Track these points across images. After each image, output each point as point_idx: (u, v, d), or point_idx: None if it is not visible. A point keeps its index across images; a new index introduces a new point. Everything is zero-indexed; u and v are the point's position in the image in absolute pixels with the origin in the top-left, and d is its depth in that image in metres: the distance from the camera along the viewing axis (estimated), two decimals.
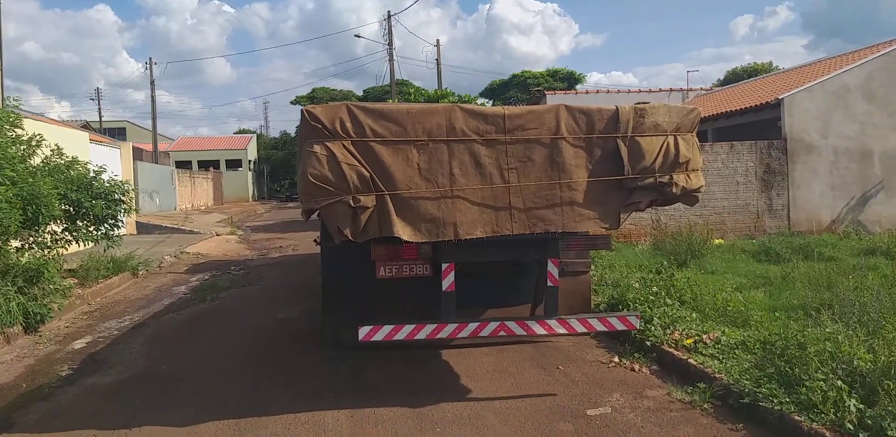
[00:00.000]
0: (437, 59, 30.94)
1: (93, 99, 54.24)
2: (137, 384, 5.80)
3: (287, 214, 32.69)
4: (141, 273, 12.14)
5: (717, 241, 12.82)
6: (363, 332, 4.87)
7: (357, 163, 4.50)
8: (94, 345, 7.27)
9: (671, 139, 4.86)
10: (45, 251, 8.87)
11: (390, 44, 30.67)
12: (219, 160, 47.23)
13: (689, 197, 4.98)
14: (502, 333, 5.02)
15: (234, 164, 48.54)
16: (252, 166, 51.11)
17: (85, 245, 9.95)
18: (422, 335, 4.92)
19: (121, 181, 9.95)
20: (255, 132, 61.92)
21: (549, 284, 5.10)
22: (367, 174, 4.50)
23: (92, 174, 9.66)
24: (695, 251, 11.14)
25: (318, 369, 6.02)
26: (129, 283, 11.47)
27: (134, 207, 10.59)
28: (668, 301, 7.15)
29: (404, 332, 4.90)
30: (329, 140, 4.50)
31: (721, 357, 5.59)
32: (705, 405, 4.86)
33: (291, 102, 59.49)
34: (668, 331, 6.25)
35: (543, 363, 6.04)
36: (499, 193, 4.69)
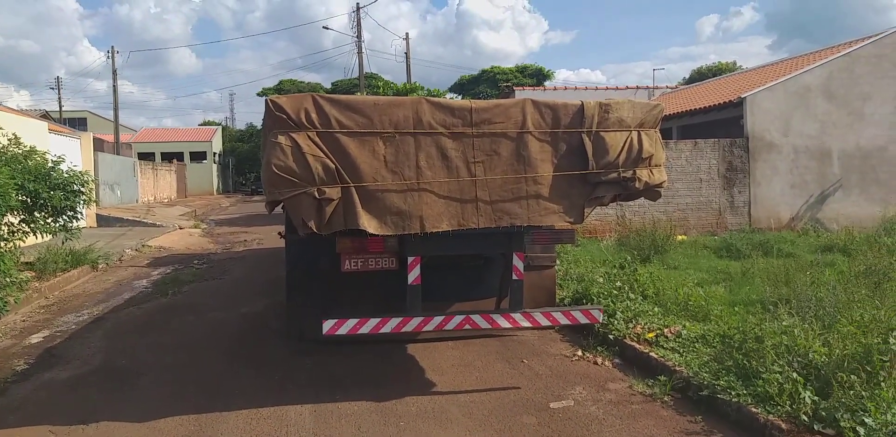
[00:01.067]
0: (405, 53, 30.79)
1: (53, 88, 52.99)
2: (95, 378, 5.69)
3: (252, 207, 32.32)
4: (101, 267, 11.89)
5: (680, 237, 13.01)
6: (327, 326, 4.83)
7: (322, 154, 4.46)
8: (51, 339, 7.10)
9: (635, 135, 4.91)
10: (1, 243, 8.62)
11: (359, 36, 30.46)
12: (183, 152, 46.42)
13: (652, 192, 5.04)
14: (467, 326, 5.03)
15: (198, 156, 47.78)
16: (217, 159, 50.38)
17: (42, 237, 9.70)
18: (386, 329, 4.90)
19: (80, 172, 9.70)
20: (220, 124, 61.05)
21: (515, 277, 5.12)
22: (333, 166, 4.46)
23: (50, 164, 9.40)
24: (658, 247, 11.31)
25: (281, 363, 5.97)
26: (88, 276, 11.23)
27: (94, 199, 10.33)
28: (632, 296, 7.23)
29: (369, 326, 4.88)
30: (294, 131, 4.45)
31: (681, 351, 5.68)
32: (665, 398, 4.94)
33: (258, 94, 58.84)
34: (631, 325, 6.32)
35: (508, 357, 6.06)
36: (465, 187, 4.69)
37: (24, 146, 9.62)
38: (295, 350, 6.30)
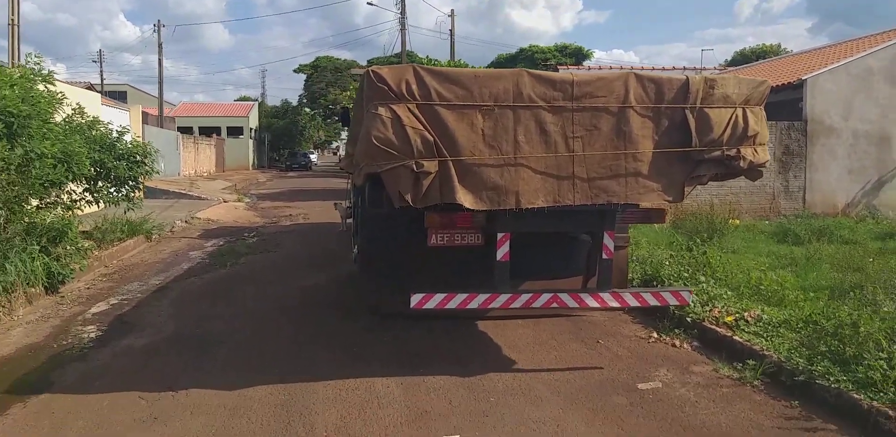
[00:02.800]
0: (450, 30, 30.45)
1: (95, 61, 53.34)
2: (173, 346, 5.74)
3: (289, 182, 32.50)
4: (154, 237, 12.02)
5: (733, 221, 12.79)
6: (415, 299, 4.80)
7: (421, 127, 4.38)
8: (119, 307, 7.19)
9: (740, 112, 4.75)
10: (67, 212, 8.74)
11: (403, 12, 30.13)
12: (220, 127, 46.60)
13: (754, 172, 4.89)
14: (555, 305, 4.96)
15: (235, 131, 47.97)
16: (253, 134, 50.58)
17: (98, 207, 9.83)
18: (474, 305, 4.86)
19: (143, 143, 9.78)
20: (256, 100, 61.26)
21: (605, 256, 5.02)
22: (431, 139, 4.39)
23: (115, 135, 9.49)
24: (715, 230, 11.10)
25: (358, 336, 5.97)
26: (143, 246, 11.35)
27: (155, 170, 10.42)
28: (702, 279, 7.11)
29: (456, 300, 4.83)
30: (394, 102, 4.37)
31: (766, 335, 5.55)
32: (755, 382, 4.83)
33: (295, 71, 58.87)
34: (708, 308, 6.20)
35: (582, 337, 6.00)
36: (562, 162, 4.59)
37: (88, 116, 9.72)
38: (366, 325, 6.30)
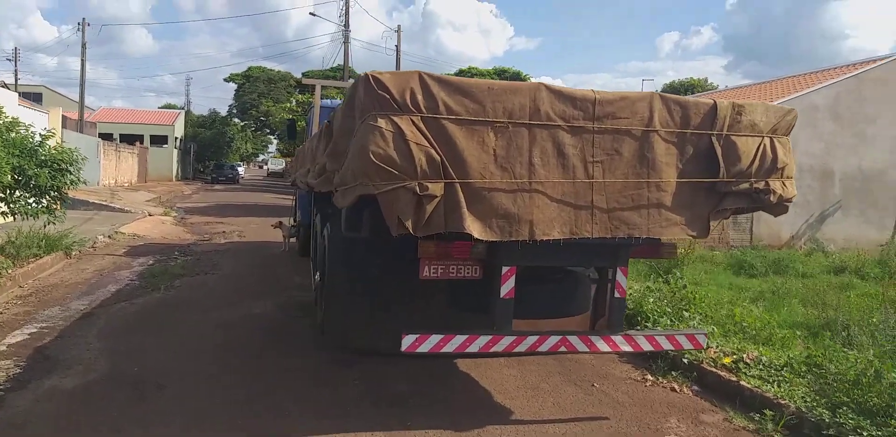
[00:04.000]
0: (396, 46, 29.94)
1: (9, 59, 50.09)
2: (108, 389, 4.87)
3: (218, 196, 31.00)
4: (74, 254, 10.86)
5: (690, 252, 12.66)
6: (407, 341, 4.16)
7: (426, 143, 3.79)
8: (39, 337, 6.20)
9: (767, 141, 4.39)
10: None
11: (346, 25, 29.41)
12: (143, 135, 44.36)
13: (781, 207, 4.52)
14: (563, 348, 4.42)
15: (159, 140, 45.74)
16: (178, 144, 48.44)
17: (13, 219, 8.74)
18: (474, 348, 4.26)
19: (69, 149, 8.76)
20: (182, 108, 58.88)
21: (617, 295, 4.53)
22: (438, 158, 3.79)
23: (38, 139, 8.45)
24: (675, 262, 10.89)
25: (324, 377, 5.26)
26: (62, 264, 10.20)
27: (82, 180, 9.35)
28: (687, 315, 6.75)
29: (454, 343, 4.22)
30: (396, 114, 3.77)
31: (771, 380, 5.18)
32: (776, 435, 4.42)
33: (225, 80, 56.79)
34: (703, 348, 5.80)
35: (574, 379, 5.48)
36: (581, 190, 4.08)
37: (6, 117, 8.65)
38: (332, 360, 5.60)
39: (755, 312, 7.21)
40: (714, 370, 5.47)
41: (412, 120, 3.80)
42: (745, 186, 4.30)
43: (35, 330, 6.45)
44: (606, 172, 4.12)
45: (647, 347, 4.58)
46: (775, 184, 4.36)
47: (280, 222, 12.45)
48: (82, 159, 9.13)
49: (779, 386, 5.03)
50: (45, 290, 8.33)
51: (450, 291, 4.96)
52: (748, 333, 6.57)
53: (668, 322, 6.49)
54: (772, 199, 4.36)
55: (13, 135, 8.39)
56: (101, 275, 9.50)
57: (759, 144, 4.35)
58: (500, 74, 45.00)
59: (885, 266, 11.41)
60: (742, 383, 5.13)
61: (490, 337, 4.28)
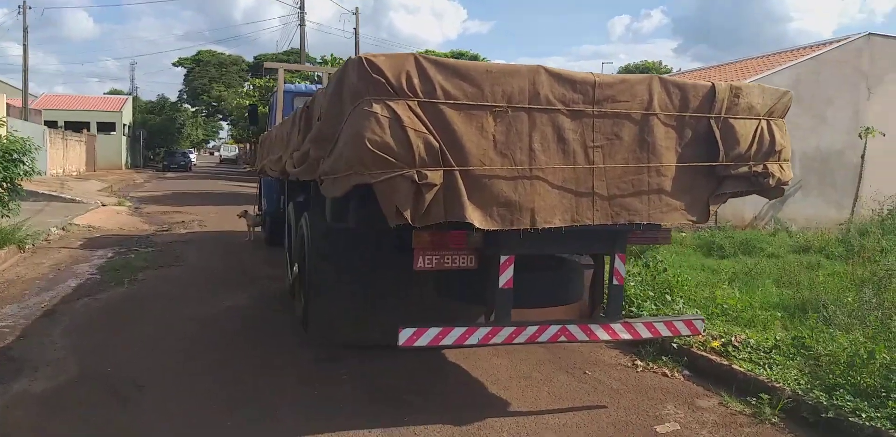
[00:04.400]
0: (354, 29, 29.24)
1: None
2: (82, 391, 4.61)
3: (172, 184, 30.13)
4: (28, 248, 10.35)
5: None
6: (405, 335, 4.00)
7: (424, 129, 3.61)
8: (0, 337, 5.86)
9: (764, 124, 4.33)
10: None
11: (302, 6, 28.68)
12: (89, 122, 42.69)
13: (779, 190, 4.49)
14: (563, 338, 4.31)
15: (106, 127, 44.10)
16: (127, 131, 46.88)
17: None
18: (473, 340, 4.12)
19: (22, 138, 8.27)
20: (130, 94, 56.96)
21: (615, 282, 4.45)
22: (436, 144, 3.62)
23: None
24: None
25: (314, 370, 5.10)
26: (15, 258, 9.71)
27: (37, 170, 8.86)
28: (669, 299, 6.74)
29: (452, 336, 4.08)
30: (392, 99, 3.57)
31: (762, 363, 5.19)
32: (774, 419, 4.40)
33: (174, 64, 55.27)
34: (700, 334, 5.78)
35: (565, 367, 5.41)
36: (581, 175, 3.96)
37: None
38: (318, 356, 5.42)
39: (736, 294, 7.24)
40: (704, 354, 5.45)
41: (409, 105, 3.61)
42: (744, 169, 4.24)
43: None
44: (607, 157, 4.01)
45: (646, 334, 4.52)
46: (773, 167, 4.32)
47: (245, 211, 12.09)
48: (35, 149, 8.64)
49: (770, 369, 5.04)
50: (1, 286, 7.90)
51: (441, 281, 4.81)
52: (730, 315, 6.60)
53: (654, 307, 6.48)
54: (770, 182, 4.32)
55: None
56: (58, 269, 9.07)
57: (757, 127, 4.29)
58: (458, 57, 44.64)
59: (847, 245, 11.63)
60: (734, 366, 5.13)
61: (489, 328, 4.15)
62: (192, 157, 55.79)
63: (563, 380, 5.11)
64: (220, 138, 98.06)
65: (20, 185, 8.56)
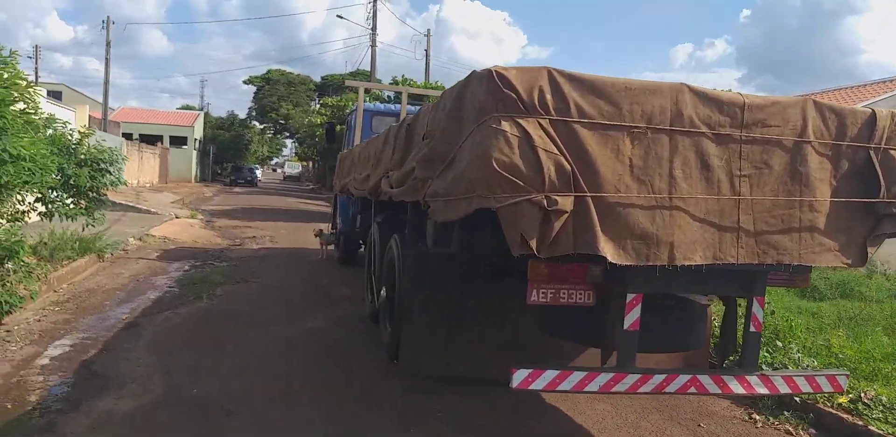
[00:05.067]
0: (426, 50, 29.48)
1: (31, 57, 50.03)
2: (170, 414, 4.39)
3: (239, 199, 30.62)
4: (107, 257, 10.42)
5: None
6: (519, 377, 3.64)
7: (556, 151, 3.29)
8: (82, 349, 5.74)
9: None
10: (14, 224, 7.18)
11: (374, 28, 29.06)
12: (163, 136, 44.17)
13: None
14: (692, 390, 3.87)
15: (178, 141, 45.51)
16: (197, 146, 48.24)
17: (49, 220, 8.29)
18: (593, 387, 3.72)
19: (110, 148, 8.31)
20: (201, 109, 58.76)
21: (752, 329, 3.99)
22: (568, 167, 3.29)
23: (77, 136, 8.02)
24: None
25: (405, 407, 4.75)
26: (95, 267, 9.77)
27: (123, 181, 8.91)
28: (780, 344, 6.19)
29: (572, 381, 3.70)
30: (522, 116, 3.26)
31: None
32: None
33: (245, 82, 56.88)
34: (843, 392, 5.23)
35: (676, 418, 4.93)
36: (726, 208, 3.56)
37: (42, 113, 8.20)
38: (408, 387, 5.10)
39: (862, 343, 6.63)
40: (832, 410, 4.91)
41: (540, 123, 3.30)
42: None
43: (77, 341, 6.00)
44: (755, 187, 3.60)
45: (784, 390, 4.03)
46: None
47: (321, 230, 11.98)
48: (123, 159, 8.68)
49: None
50: (82, 295, 7.88)
51: (549, 316, 4.42)
52: (848, 366, 6.01)
53: (766, 353, 5.92)
54: None
55: (49, 132, 7.95)
56: (137, 280, 9.05)
57: None
58: None
59: None
60: (871, 428, 4.57)
61: (612, 375, 3.74)
62: (258, 173, 56.97)
63: (677, 433, 4.65)
64: (284, 155, 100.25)
65: (105, 195, 8.57)
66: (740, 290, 4.02)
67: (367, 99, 24.70)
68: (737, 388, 3.91)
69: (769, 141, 3.62)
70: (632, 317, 3.76)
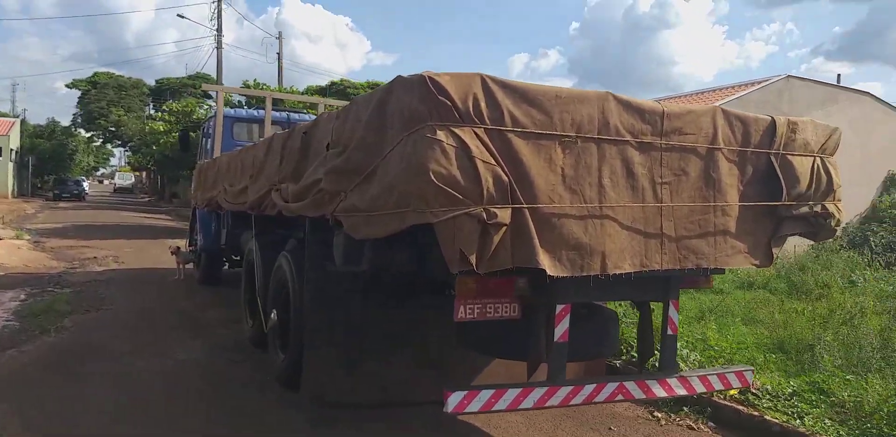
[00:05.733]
0: (278, 53, 28.45)
1: None
2: None
3: (68, 215, 27.83)
4: None
5: None
6: (454, 401, 3.43)
7: (493, 161, 3.14)
8: None
9: (819, 161, 4.11)
10: None
11: (219, 29, 27.59)
12: None
13: (832, 231, 4.26)
14: (620, 397, 3.87)
15: None
16: (14, 157, 43.40)
17: None
18: (528, 403, 3.60)
19: None
20: (16, 116, 52.92)
21: (669, 332, 4.07)
22: (506, 178, 3.16)
23: None
24: None
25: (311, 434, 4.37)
26: None
27: None
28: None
29: (506, 400, 3.55)
30: (458, 125, 3.09)
31: (789, 412, 4.93)
32: None
33: (68, 85, 51.95)
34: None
35: (588, 423, 4.95)
36: (650, 215, 3.59)
37: None
38: (310, 417, 4.73)
39: (726, 334, 7.07)
40: (725, 403, 5.15)
41: (476, 132, 3.14)
42: (805, 209, 3.99)
43: None
44: (674, 194, 3.67)
45: (700, 389, 4.14)
46: (831, 207, 4.10)
47: (177, 248, 11.05)
48: None
49: (802, 420, 4.77)
50: None
51: (471, 332, 4.24)
52: (725, 357, 6.38)
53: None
54: (831, 223, 4.09)
55: None
56: None
57: (813, 164, 4.07)
58: (374, 87, 44.41)
59: (788, 281, 11.91)
60: (767, 418, 4.83)
61: (545, 389, 3.65)
62: (86, 185, 52.33)
63: None
64: (112, 165, 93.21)
65: None
66: (657, 294, 4.08)
67: (207, 105, 23.39)
68: (659, 391, 3.96)
69: (685, 148, 3.70)
70: (561, 328, 3.70)
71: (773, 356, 6.56)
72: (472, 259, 3.07)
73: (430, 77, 3.08)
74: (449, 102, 3.06)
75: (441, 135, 3.04)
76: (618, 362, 5.86)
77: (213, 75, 37.19)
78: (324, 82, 45.72)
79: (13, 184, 42.75)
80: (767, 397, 5.21)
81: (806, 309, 9.08)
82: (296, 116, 10.82)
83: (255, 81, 22.95)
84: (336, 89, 44.45)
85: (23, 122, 50.48)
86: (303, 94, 42.94)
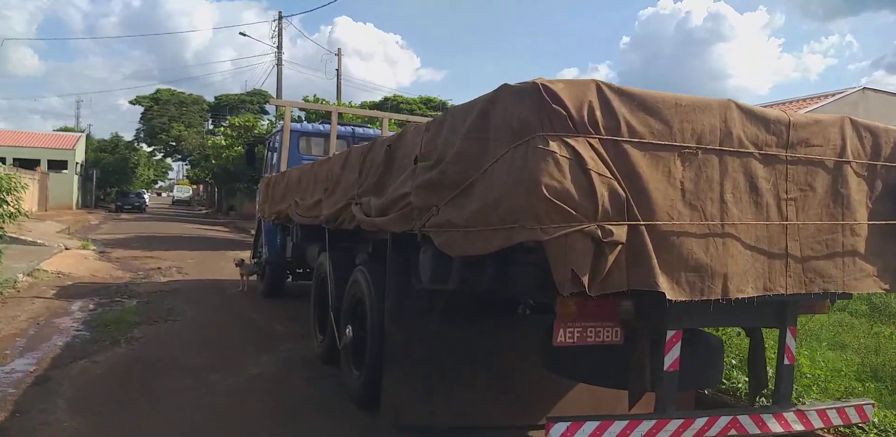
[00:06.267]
0: (337, 69, 28.80)
1: None
2: None
3: (130, 227, 28.54)
4: None
5: None
6: (557, 432, 3.18)
7: (609, 174, 2.90)
8: None
9: None
10: None
11: (279, 47, 28.10)
12: (40, 159, 40.84)
13: None
14: (733, 431, 3.54)
15: (58, 165, 42.06)
16: (79, 170, 44.90)
17: None
18: (635, 436, 3.32)
19: (7, 175, 7.24)
20: (82, 131, 54.87)
21: (786, 362, 3.74)
22: (622, 193, 2.91)
23: None
24: None
25: None
26: None
27: (22, 212, 7.77)
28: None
29: (612, 432, 3.27)
30: (571, 136, 2.87)
31: None
32: None
33: (131, 102, 53.62)
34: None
35: None
36: (774, 234, 3.29)
37: None
38: None
39: (815, 360, 6.62)
40: (829, 436, 4.74)
41: (590, 143, 2.91)
42: None
43: None
44: (800, 211, 3.36)
45: (818, 424, 3.79)
46: None
47: (242, 260, 11.08)
48: (22, 187, 7.59)
49: None
50: None
51: (563, 357, 3.98)
52: (819, 385, 5.96)
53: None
54: None
55: None
56: (37, 324, 7.91)
57: None
58: (427, 103, 44.57)
59: (870, 302, 11.26)
60: None
61: (654, 422, 3.36)
62: (146, 197, 53.83)
63: None
64: (170, 179, 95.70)
65: (3, 228, 7.44)
66: (773, 320, 3.76)
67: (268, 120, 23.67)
68: (775, 427, 3.62)
69: (812, 161, 3.40)
70: (672, 356, 3.41)
71: (872, 385, 6.10)
72: (585, 280, 2.83)
73: (543, 84, 2.87)
74: (563, 111, 2.85)
75: (554, 146, 2.82)
76: (706, 392, 5.52)
77: (270, 92, 37.96)
78: (376, 98, 46.32)
79: (78, 195, 44.19)
80: (875, 431, 4.79)
81: (895, 334, 8.53)
82: (360, 130, 10.77)
83: (314, 96, 23.24)
84: (390, 105, 44.92)
85: (87, 137, 52.30)
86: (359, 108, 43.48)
